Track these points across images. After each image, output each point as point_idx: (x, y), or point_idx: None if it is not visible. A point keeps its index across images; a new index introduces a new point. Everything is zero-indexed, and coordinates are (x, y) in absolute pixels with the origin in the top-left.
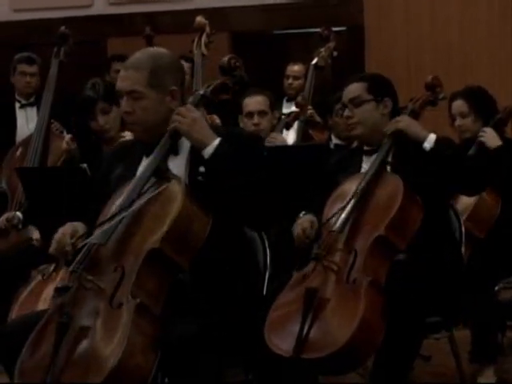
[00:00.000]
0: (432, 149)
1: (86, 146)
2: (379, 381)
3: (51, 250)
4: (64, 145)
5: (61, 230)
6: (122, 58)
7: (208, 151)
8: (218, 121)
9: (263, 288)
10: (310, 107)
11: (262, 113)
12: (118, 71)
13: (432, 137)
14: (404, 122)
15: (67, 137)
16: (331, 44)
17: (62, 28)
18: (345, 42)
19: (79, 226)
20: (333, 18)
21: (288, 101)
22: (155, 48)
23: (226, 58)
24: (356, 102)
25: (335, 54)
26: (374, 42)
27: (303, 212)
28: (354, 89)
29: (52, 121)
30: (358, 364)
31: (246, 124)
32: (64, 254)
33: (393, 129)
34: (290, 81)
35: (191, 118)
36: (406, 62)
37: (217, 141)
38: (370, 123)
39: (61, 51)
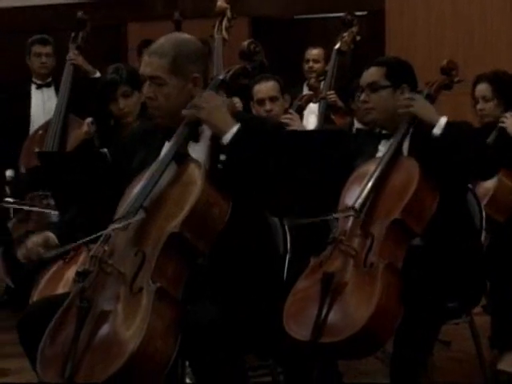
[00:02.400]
0: (441, 134)
1: (104, 131)
2: (399, 366)
3: (19, 254)
4: (84, 127)
5: (31, 239)
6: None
7: (227, 138)
8: (239, 104)
9: (283, 272)
10: (332, 92)
11: (273, 99)
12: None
13: (442, 121)
14: (416, 105)
15: (88, 120)
16: (354, 29)
17: (80, 13)
18: (365, 26)
19: (51, 237)
20: (353, 2)
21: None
22: (180, 34)
23: (245, 43)
24: (373, 88)
25: (358, 38)
26: (395, 27)
27: None
28: (373, 73)
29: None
30: (376, 348)
31: (258, 111)
32: (30, 261)
33: (404, 111)
34: (311, 64)
35: (212, 104)
36: (426, 46)
37: (235, 127)
38: (384, 109)
39: (78, 36)
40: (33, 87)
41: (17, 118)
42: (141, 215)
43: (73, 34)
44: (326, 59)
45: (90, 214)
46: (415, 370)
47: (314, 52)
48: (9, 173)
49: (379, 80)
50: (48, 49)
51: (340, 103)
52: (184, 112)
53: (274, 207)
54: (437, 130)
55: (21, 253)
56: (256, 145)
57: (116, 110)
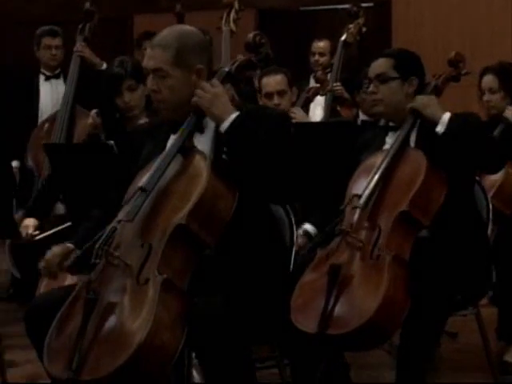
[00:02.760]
0: (444, 131)
1: (110, 124)
2: (406, 358)
3: (40, 266)
4: (90, 119)
5: (52, 251)
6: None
7: (224, 125)
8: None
9: (290, 264)
10: (338, 84)
11: (281, 93)
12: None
13: (445, 118)
14: (421, 102)
15: (93, 111)
16: (360, 20)
17: (87, 4)
18: (372, 18)
19: (71, 248)
20: None
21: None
22: (183, 26)
23: (251, 35)
24: (381, 79)
25: (364, 30)
26: (402, 18)
27: (310, 227)
28: (381, 64)
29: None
30: (383, 340)
31: (266, 104)
32: (51, 274)
33: (409, 107)
34: (316, 57)
35: (212, 92)
36: (433, 38)
37: (234, 115)
38: (393, 102)
39: (86, 28)
40: (41, 78)
41: (25, 109)
42: (130, 215)
43: (80, 26)
44: (332, 52)
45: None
46: (422, 362)
47: (320, 45)
48: (14, 164)
49: (388, 71)
50: (57, 41)
51: (346, 95)
52: (196, 101)
53: (277, 195)
54: (440, 128)
55: (41, 265)
56: (254, 132)
57: (121, 103)
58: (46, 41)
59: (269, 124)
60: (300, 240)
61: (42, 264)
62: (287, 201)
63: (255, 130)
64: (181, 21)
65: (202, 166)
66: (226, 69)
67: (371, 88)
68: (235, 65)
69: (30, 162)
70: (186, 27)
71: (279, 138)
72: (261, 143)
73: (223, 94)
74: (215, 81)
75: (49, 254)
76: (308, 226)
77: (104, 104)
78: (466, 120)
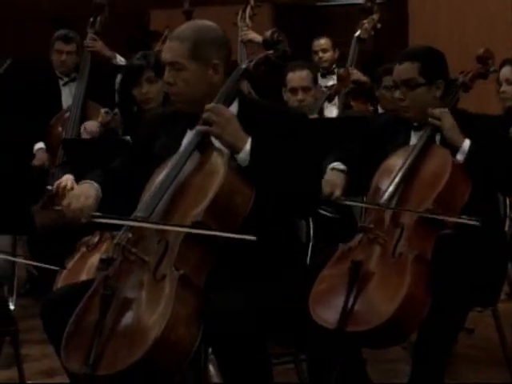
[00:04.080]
0: (465, 160)
1: (127, 117)
2: (423, 354)
3: (65, 204)
4: (99, 117)
5: (84, 196)
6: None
7: (242, 157)
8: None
9: (306, 260)
10: (355, 70)
11: (306, 88)
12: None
13: (465, 146)
14: (445, 123)
15: (103, 109)
16: (375, 16)
17: None
18: (388, 12)
19: (98, 194)
20: None
21: (323, 77)
22: (202, 20)
23: (268, 32)
24: (409, 85)
25: (379, 26)
26: (418, 13)
27: (336, 163)
28: (407, 69)
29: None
30: (402, 338)
31: (290, 99)
32: (75, 220)
33: (433, 123)
34: (320, 54)
35: (224, 118)
36: (449, 32)
37: (248, 144)
38: (421, 106)
39: (96, 21)
40: (60, 83)
41: (48, 109)
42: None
43: (91, 19)
44: (334, 47)
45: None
46: (440, 359)
47: (321, 42)
48: (41, 145)
49: (415, 77)
50: (70, 47)
51: (364, 78)
52: (199, 128)
53: (298, 210)
54: (460, 157)
55: (68, 206)
56: (274, 154)
57: (139, 94)
58: (58, 45)
59: (284, 137)
60: (330, 176)
61: (72, 206)
62: (307, 215)
63: (273, 154)
64: (189, 18)
65: (219, 163)
66: (244, 66)
67: (398, 94)
68: (253, 62)
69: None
70: (206, 22)
71: (296, 152)
72: (279, 162)
73: (234, 117)
74: (221, 105)
75: (82, 198)
76: (334, 164)
77: (121, 97)
78: (485, 153)
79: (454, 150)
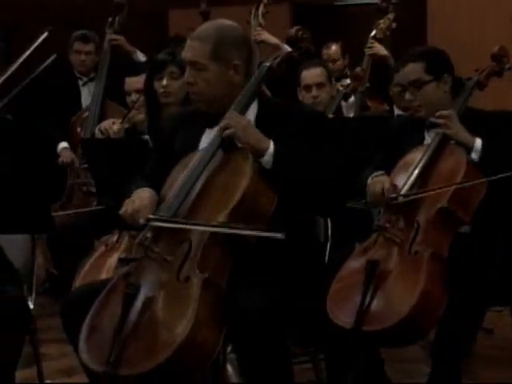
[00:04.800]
0: (479, 158)
1: (151, 111)
2: (440, 354)
3: (123, 211)
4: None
5: (139, 199)
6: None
7: (267, 160)
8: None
9: (324, 261)
10: (375, 43)
11: (320, 85)
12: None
13: (478, 145)
14: (452, 127)
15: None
16: (390, 15)
17: None
18: (405, 12)
19: (155, 199)
20: None
21: (337, 80)
22: (224, 20)
23: (293, 30)
24: (417, 85)
25: (394, 25)
26: (437, 11)
27: (379, 172)
28: (413, 70)
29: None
30: (420, 336)
31: (305, 97)
32: (135, 223)
33: (441, 131)
34: (330, 66)
35: (243, 123)
36: (469, 32)
37: (271, 147)
38: (432, 104)
39: (115, 21)
40: (79, 83)
41: (67, 110)
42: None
43: (110, 19)
44: (344, 53)
45: None
46: (456, 358)
47: (330, 52)
48: (64, 144)
49: (421, 76)
50: (89, 47)
51: (383, 52)
52: (221, 128)
53: (322, 208)
54: (474, 155)
55: (128, 211)
56: (296, 155)
57: (159, 87)
58: (77, 46)
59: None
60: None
61: (130, 210)
62: (330, 214)
63: (296, 158)
64: (206, 19)
65: (244, 164)
66: (268, 64)
67: (408, 96)
68: (277, 60)
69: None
70: (227, 22)
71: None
72: (303, 166)
73: (251, 122)
74: (234, 112)
75: (138, 201)
76: (373, 174)
77: (146, 91)
78: (500, 150)
79: (468, 149)
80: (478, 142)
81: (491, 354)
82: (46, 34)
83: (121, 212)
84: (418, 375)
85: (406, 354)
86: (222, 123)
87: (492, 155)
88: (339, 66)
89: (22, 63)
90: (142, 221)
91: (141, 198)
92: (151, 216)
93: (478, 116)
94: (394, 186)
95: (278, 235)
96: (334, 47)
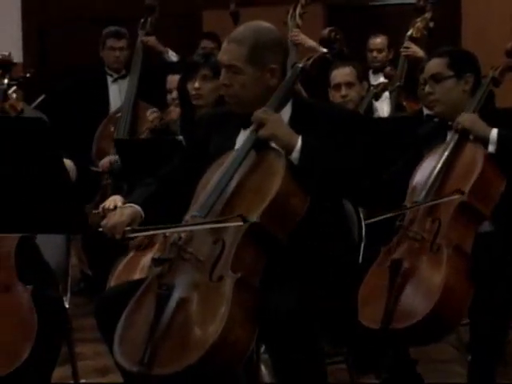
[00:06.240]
0: (496, 150)
1: (186, 111)
2: (474, 354)
3: (103, 224)
4: (147, 117)
5: (120, 212)
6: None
7: (294, 156)
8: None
9: (358, 261)
10: (412, 44)
11: (349, 84)
12: (204, 48)
13: (494, 135)
14: (468, 120)
15: (150, 109)
16: (427, 15)
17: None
18: (441, 12)
19: (138, 214)
20: None
21: (374, 73)
22: (260, 23)
23: (326, 31)
24: (436, 79)
25: (431, 24)
26: (471, 13)
27: None
28: (435, 64)
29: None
30: (446, 331)
31: (334, 96)
32: (112, 236)
33: (459, 127)
34: (375, 54)
35: (273, 119)
36: (501, 31)
37: (299, 143)
38: (450, 100)
39: (147, 22)
40: (109, 80)
41: (96, 110)
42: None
43: (142, 20)
44: (389, 46)
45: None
46: (490, 358)
47: (377, 41)
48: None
49: (442, 70)
50: (122, 42)
51: (421, 53)
52: (253, 129)
53: (358, 197)
54: (492, 148)
55: (106, 224)
56: (327, 151)
57: (191, 88)
58: (111, 42)
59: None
60: None
61: (107, 224)
62: (367, 203)
63: (325, 151)
64: (236, 20)
65: (277, 164)
66: (301, 65)
67: (427, 89)
68: (310, 61)
69: (94, 150)
70: (264, 24)
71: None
72: (334, 161)
73: (281, 120)
74: (266, 108)
75: (116, 218)
76: None
77: (180, 91)
78: None
79: (486, 143)
80: (494, 133)
81: None
82: (43, 97)
83: (102, 223)
84: (451, 376)
85: (439, 355)
86: (255, 122)
87: (508, 145)
88: (383, 57)
89: None
90: (118, 236)
91: (121, 213)
92: (126, 228)
93: (496, 114)
94: (415, 188)
95: (240, 223)
96: (381, 37)
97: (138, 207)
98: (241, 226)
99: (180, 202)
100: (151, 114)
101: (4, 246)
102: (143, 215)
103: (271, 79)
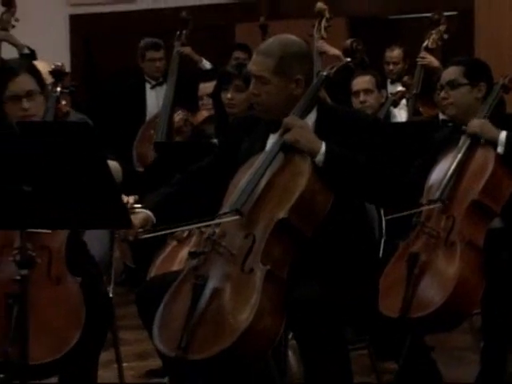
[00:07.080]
0: (505, 151)
1: (220, 119)
2: (490, 342)
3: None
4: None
5: (133, 219)
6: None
7: (319, 160)
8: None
9: (379, 256)
10: (427, 55)
11: (367, 91)
12: (236, 59)
13: (502, 138)
14: (477, 125)
15: (177, 112)
16: (442, 27)
17: (183, 13)
18: (456, 24)
19: (150, 218)
20: (444, 2)
21: (392, 83)
22: (288, 35)
23: (348, 41)
24: (452, 85)
25: (446, 36)
26: (484, 25)
27: None
28: (452, 72)
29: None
30: (461, 319)
31: (354, 102)
32: (126, 241)
33: (470, 131)
34: (391, 67)
35: (298, 125)
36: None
37: (323, 147)
38: (463, 105)
39: (182, 34)
40: (147, 87)
41: (134, 116)
42: (235, 217)
43: (177, 33)
44: (405, 59)
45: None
46: (503, 347)
47: (393, 54)
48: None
49: (458, 78)
50: (161, 53)
51: (436, 63)
52: (285, 137)
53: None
54: (500, 149)
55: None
56: (349, 155)
57: (225, 98)
58: (151, 54)
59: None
60: None
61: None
62: (389, 204)
63: (347, 154)
64: (265, 32)
65: (303, 165)
66: (325, 73)
67: (442, 94)
68: (334, 69)
69: (134, 154)
70: (291, 37)
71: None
72: (359, 166)
73: (307, 126)
74: (293, 116)
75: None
76: None
77: (214, 100)
78: None
79: (496, 145)
80: (503, 135)
81: None
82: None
83: None
84: (466, 362)
85: (454, 342)
86: (282, 127)
87: None
88: (399, 69)
89: None
90: (131, 238)
91: (134, 218)
92: (139, 230)
93: (506, 120)
94: (430, 188)
95: (236, 217)
96: (396, 50)
97: (149, 212)
98: (237, 219)
99: (207, 198)
100: (177, 115)
101: (56, 241)
102: (154, 219)
103: (296, 89)
